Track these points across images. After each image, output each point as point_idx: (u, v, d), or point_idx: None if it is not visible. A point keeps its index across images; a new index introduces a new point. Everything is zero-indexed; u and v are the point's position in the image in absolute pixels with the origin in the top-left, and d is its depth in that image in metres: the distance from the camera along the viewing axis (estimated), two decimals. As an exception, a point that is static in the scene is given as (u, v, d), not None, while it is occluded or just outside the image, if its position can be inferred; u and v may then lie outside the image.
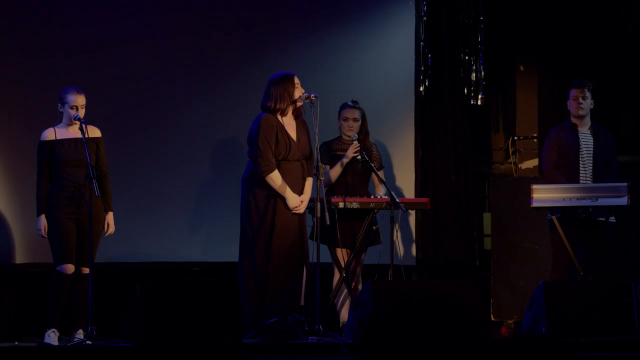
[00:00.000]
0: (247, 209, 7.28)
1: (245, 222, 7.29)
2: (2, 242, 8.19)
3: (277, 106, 7.28)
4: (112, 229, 7.20)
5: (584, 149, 8.01)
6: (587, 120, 8.05)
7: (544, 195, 7.81)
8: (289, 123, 7.35)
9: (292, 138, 7.32)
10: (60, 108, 7.13)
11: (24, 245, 8.16)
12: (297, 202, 7.27)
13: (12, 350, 6.68)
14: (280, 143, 7.25)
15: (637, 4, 9.68)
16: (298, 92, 7.31)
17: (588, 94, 7.98)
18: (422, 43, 9.33)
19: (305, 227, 7.38)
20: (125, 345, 6.51)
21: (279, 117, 7.30)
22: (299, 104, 7.34)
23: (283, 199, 7.25)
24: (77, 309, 7.13)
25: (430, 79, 9.39)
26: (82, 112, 7.09)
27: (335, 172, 7.89)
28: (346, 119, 7.95)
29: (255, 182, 7.27)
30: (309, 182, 7.40)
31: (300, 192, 7.32)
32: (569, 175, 7.96)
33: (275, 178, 7.21)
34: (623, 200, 7.68)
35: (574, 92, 8.00)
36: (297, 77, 7.39)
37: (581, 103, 7.96)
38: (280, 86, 7.30)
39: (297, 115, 7.41)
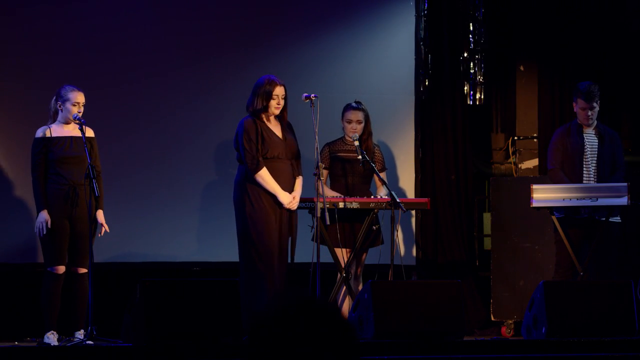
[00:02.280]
0: (242, 210, 7.29)
1: (241, 224, 7.29)
2: (2, 242, 8.19)
3: (254, 109, 7.32)
4: (104, 227, 7.17)
5: (588, 149, 8.00)
6: (594, 122, 8.04)
7: (544, 195, 7.81)
8: (274, 124, 7.40)
9: (278, 136, 7.35)
10: (60, 106, 7.13)
11: (24, 245, 8.15)
12: (289, 198, 7.30)
13: (12, 350, 6.68)
14: (267, 141, 7.30)
15: (637, 3, 9.67)
16: (274, 104, 7.32)
17: (597, 104, 7.97)
18: (422, 43, 9.33)
19: (295, 225, 7.38)
20: (125, 345, 6.51)
21: (263, 118, 7.34)
22: (271, 112, 7.34)
23: (274, 197, 7.26)
24: (76, 309, 7.13)
25: (430, 79, 9.39)
26: (82, 110, 7.11)
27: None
28: (350, 121, 7.93)
29: (247, 183, 7.28)
30: (299, 181, 7.46)
31: (291, 190, 7.35)
32: (572, 175, 7.96)
33: (264, 175, 7.24)
34: (623, 200, 7.68)
35: (582, 103, 7.96)
36: (285, 86, 7.37)
37: (590, 115, 7.96)
38: (261, 88, 7.35)
39: (284, 119, 7.44)
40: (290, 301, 2.38)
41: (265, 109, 7.33)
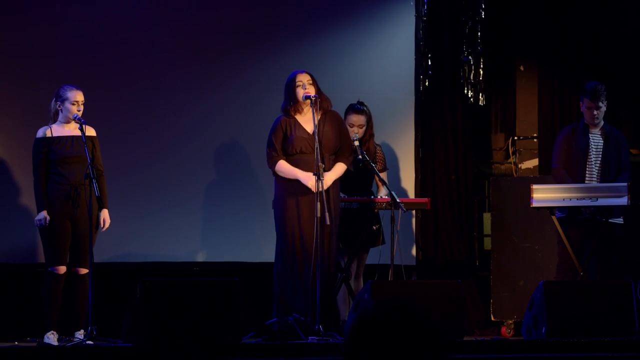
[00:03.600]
0: (274, 207, 7.40)
1: (276, 220, 7.33)
2: (2, 242, 8.19)
3: (285, 106, 7.32)
4: (107, 224, 7.17)
5: (593, 149, 8.00)
6: (600, 122, 8.03)
7: (544, 195, 7.81)
8: (307, 118, 7.34)
9: (306, 131, 7.30)
10: (59, 106, 7.14)
11: (24, 245, 8.15)
12: (312, 178, 7.14)
13: (12, 350, 6.67)
14: (288, 137, 7.26)
15: (636, 3, 9.67)
16: (300, 91, 7.28)
17: (603, 104, 7.96)
18: (422, 43, 9.33)
19: (327, 225, 7.08)
20: (125, 345, 6.51)
21: (295, 114, 7.31)
22: (304, 103, 7.30)
23: (299, 196, 7.20)
24: (76, 310, 7.13)
25: (430, 79, 9.39)
26: (82, 109, 7.11)
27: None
28: (352, 125, 7.91)
29: (277, 182, 7.35)
30: (338, 165, 7.30)
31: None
32: (575, 175, 7.96)
33: (282, 167, 7.25)
34: (623, 200, 7.68)
35: (588, 102, 7.96)
36: (309, 73, 7.35)
37: (596, 115, 7.95)
38: (286, 87, 7.36)
39: (324, 110, 7.34)
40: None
41: (295, 102, 7.30)
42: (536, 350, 6.75)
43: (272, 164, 7.30)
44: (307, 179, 7.17)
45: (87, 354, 6.34)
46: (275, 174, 7.34)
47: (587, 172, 8.00)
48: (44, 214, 7.04)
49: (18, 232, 8.19)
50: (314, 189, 7.08)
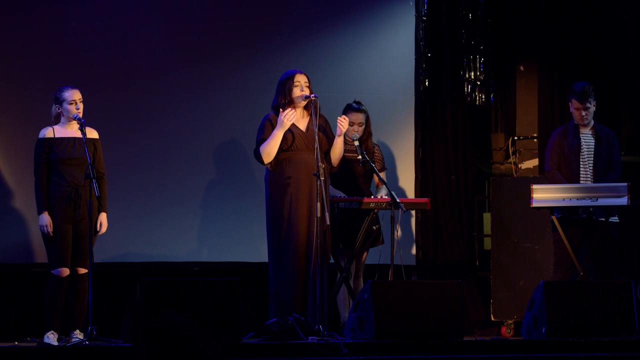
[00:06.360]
0: (265, 205, 7.31)
1: (267, 218, 7.30)
2: (2, 242, 8.19)
3: (277, 103, 7.30)
4: (104, 229, 7.17)
5: (585, 150, 8.01)
6: (590, 122, 8.04)
7: (544, 195, 7.82)
8: (299, 117, 7.32)
9: (300, 129, 7.29)
10: (58, 109, 7.12)
11: (24, 245, 8.16)
12: (289, 111, 7.16)
13: (12, 350, 6.67)
14: (289, 133, 7.22)
15: (636, 4, 9.68)
16: (297, 91, 7.26)
17: (591, 104, 7.96)
18: (422, 43, 9.33)
19: (325, 227, 7.08)
20: (125, 345, 6.51)
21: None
22: (298, 103, 7.29)
23: (292, 195, 7.19)
24: (75, 309, 7.13)
25: (430, 79, 9.39)
26: (81, 107, 7.09)
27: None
28: (352, 124, 7.91)
29: (268, 179, 7.28)
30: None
31: (312, 185, 7.11)
32: (569, 176, 7.97)
33: (264, 144, 7.20)
34: (623, 200, 7.69)
35: (576, 103, 7.97)
36: (306, 75, 7.34)
37: (584, 115, 7.96)
38: (281, 84, 7.32)
39: (314, 112, 7.30)
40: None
41: (290, 101, 7.28)
42: (536, 350, 6.75)
43: (257, 152, 7.22)
44: (286, 115, 7.13)
45: (87, 354, 6.34)
46: (268, 167, 7.24)
47: (581, 172, 8.00)
48: (46, 218, 7.02)
49: (18, 232, 8.19)
50: (293, 114, 7.15)
